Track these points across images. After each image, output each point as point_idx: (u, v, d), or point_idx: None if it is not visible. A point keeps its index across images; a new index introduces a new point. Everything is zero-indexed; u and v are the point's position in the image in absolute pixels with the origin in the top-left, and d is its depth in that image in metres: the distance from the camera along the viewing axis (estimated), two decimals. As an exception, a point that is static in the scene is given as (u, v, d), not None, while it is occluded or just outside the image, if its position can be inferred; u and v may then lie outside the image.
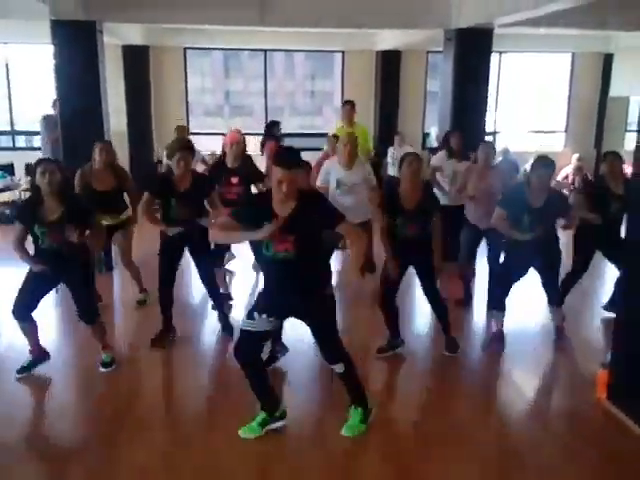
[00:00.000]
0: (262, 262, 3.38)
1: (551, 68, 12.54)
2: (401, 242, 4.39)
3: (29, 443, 3.59)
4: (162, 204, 4.63)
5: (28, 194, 9.17)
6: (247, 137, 6.22)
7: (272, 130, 8.79)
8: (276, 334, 4.25)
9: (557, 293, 4.92)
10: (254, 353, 3.45)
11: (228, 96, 17.88)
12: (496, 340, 4.87)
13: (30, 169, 4.02)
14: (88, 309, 4.23)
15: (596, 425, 3.79)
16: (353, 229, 3.41)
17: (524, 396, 4.23)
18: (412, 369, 4.64)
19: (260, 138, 9.17)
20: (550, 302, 4.92)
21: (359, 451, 3.49)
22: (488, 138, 8.67)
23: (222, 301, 5.14)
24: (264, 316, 3.36)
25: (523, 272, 4.77)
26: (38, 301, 4.15)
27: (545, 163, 4.50)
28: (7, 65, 10.59)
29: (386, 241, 4.43)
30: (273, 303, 3.38)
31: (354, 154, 5.59)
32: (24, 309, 4.11)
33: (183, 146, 4.59)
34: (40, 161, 4.01)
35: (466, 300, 5.73)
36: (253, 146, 7.78)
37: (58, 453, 3.50)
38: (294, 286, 3.31)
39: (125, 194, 5.69)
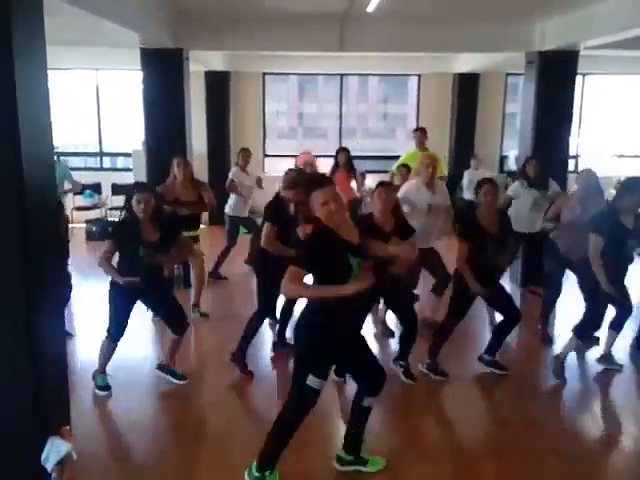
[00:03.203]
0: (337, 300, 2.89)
1: (637, 90, 12.03)
2: (480, 267, 4.35)
3: (110, 459, 3.70)
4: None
5: (115, 212, 9.70)
6: (321, 159, 6.37)
7: (338, 158, 7.84)
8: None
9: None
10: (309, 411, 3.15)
11: (302, 119, 18.20)
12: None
13: (129, 192, 4.18)
14: (182, 321, 4.41)
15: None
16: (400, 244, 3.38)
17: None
18: (480, 397, 4.51)
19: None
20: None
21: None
22: (570, 162, 8.40)
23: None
24: (331, 367, 3.22)
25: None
26: (128, 321, 4.29)
27: (633, 185, 4.41)
28: (97, 90, 11.20)
29: (467, 269, 4.38)
30: (338, 348, 3.08)
31: (436, 174, 5.55)
32: (121, 330, 4.26)
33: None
34: (137, 188, 4.17)
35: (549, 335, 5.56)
36: (327, 167, 7.85)
37: (140, 468, 3.60)
38: (361, 322, 3.21)
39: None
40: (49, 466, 3.02)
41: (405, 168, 6.52)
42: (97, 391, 4.36)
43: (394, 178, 6.42)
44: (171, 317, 4.41)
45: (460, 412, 4.28)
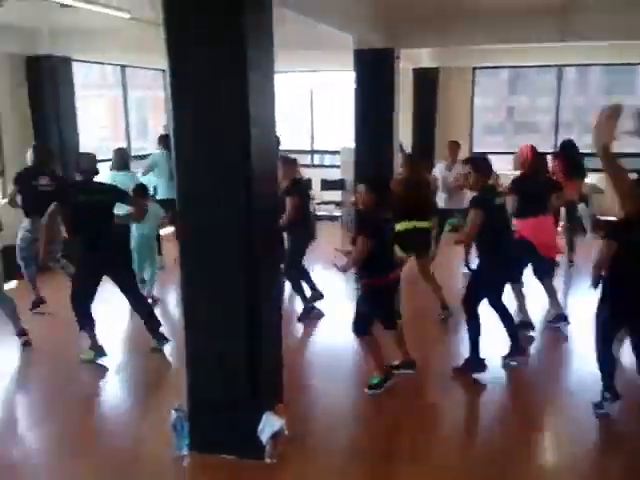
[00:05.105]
0: None
1: None
2: None
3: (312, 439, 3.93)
4: None
5: (324, 207, 10.25)
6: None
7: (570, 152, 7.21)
8: None
9: None
10: None
11: (512, 113, 17.35)
12: None
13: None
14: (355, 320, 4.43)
15: None
16: None
17: None
18: None
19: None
20: None
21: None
22: None
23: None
24: None
25: None
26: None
27: None
28: (311, 91, 11.89)
29: None
30: None
31: None
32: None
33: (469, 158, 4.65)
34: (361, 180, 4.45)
35: None
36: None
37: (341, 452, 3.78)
38: None
39: None
40: (264, 438, 3.32)
41: None
42: (368, 391, 4.34)
43: None
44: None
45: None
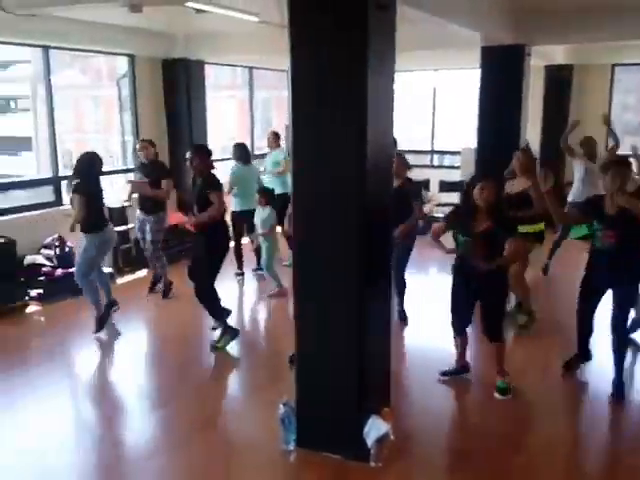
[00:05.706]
0: None
1: None
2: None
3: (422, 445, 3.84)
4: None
5: (441, 209, 9.99)
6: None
7: None
8: None
9: None
10: None
11: (656, 114, 15.95)
12: None
13: (469, 182, 4.32)
14: (495, 326, 4.23)
15: None
16: None
17: None
18: None
19: None
20: None
21: None
22: None
23: None
24: None
25: None
26: (469, 315, 4.34)
27: None
28: (434, 90, 11.64)
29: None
30: None
31: None
32: (461, 323, 4.37)
33: (618, 161, 4.23)
34: (483, 177, 4.14)
35: None
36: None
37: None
38: None
39: None
40: (369, 442, 3.28)
41: None
42: (497, 395, 4.21)
43: None
44: (487, 320, 4.24)
45: None
